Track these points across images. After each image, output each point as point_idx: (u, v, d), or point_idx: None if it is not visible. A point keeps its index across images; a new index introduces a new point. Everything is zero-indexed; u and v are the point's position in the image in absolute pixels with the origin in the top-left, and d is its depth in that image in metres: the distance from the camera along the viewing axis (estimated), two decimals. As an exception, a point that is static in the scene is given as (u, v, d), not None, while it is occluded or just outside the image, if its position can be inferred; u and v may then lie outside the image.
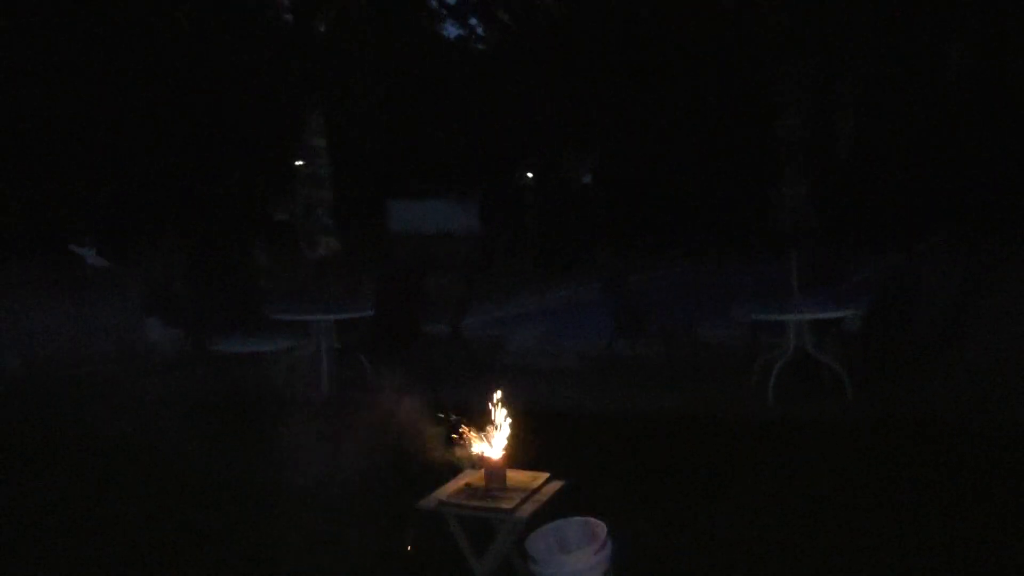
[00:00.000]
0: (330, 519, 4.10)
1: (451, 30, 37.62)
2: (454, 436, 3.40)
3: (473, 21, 37.28)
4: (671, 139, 14.13)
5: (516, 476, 3.35)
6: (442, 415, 3.47)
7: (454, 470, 3.39)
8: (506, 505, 3.12)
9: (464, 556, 3.18)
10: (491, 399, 3.40)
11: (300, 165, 9.03)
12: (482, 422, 3.38)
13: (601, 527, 3.10)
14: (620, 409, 6.49)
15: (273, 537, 3.99)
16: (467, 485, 3.30)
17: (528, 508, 3.12)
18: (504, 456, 3.33)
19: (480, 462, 3.34)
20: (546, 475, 3.37)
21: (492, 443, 3.33)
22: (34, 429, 6.77)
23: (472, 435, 3.37)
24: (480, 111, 24.55)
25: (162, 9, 12.87)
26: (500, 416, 3.36)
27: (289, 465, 4.58)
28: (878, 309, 6.86)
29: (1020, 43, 11.36)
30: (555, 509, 3.24)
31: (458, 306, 8.72)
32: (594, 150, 23.87)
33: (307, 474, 4.48)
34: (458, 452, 3.40)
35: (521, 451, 3.47)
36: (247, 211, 14.19)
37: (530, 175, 25.50)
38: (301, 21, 22.86)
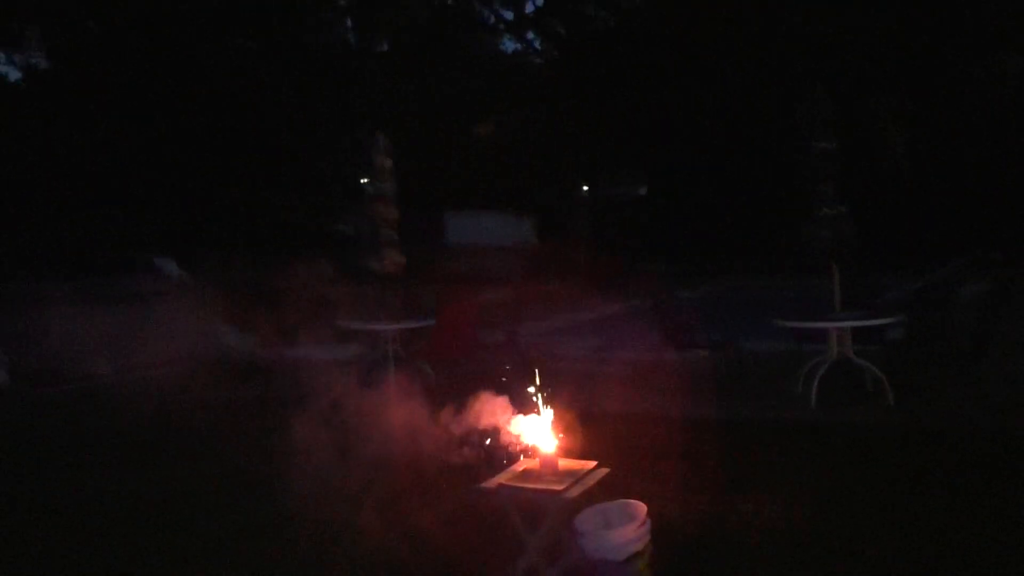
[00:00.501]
0: (398, 502, 4.58)
1: (509, 44, 38.27)
2: (506, 434, 3.86)
3: (530, 35, 37.97)
4: (719, 156, 14.44)
5: (567, 463, 3.79)
6: (496, 415, 3.92)
7: (509, 460, 3.84)
8: (557, 487, 3.55)
9: (518, 533, 3.62)
10: (544, 397, 3.84)
11: (366, 184, 9.61)
12: (537, 417, 3.83)
13: (642, 508, 3.51)
14: (666, 412, 6.86)
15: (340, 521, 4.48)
16: (524, 470, 3.75)
17: (576, 490, 3.55)
18: (556, 446, 3.77)
19: (535, 451, 3.79)
20: (594, 463, 3.80)
21: (545, 435, 3.78)
22: (123, 426, 7.42)
23: (527, 429, 3.83)
24: (535, 124, 25.05)
25: (232, 52, 13.76)
26: (552, 411, 3.81)
27: (353, 458, 5.08)
28: (918, 319, 7.12)
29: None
30: (602, 493, 3.66)
31: (513, 316, 9.20)
32: (649, 163, 24.19)
33: (372, 465, 5.00)
34: (508, 446, 3.86)
35: (572, 443, 3.91)
36: (313, 227, 14.88)
37: (585, 188, 25.92)
38: (363, 40, 23.67)
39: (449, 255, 18.17)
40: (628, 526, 3.44)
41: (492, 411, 3.93)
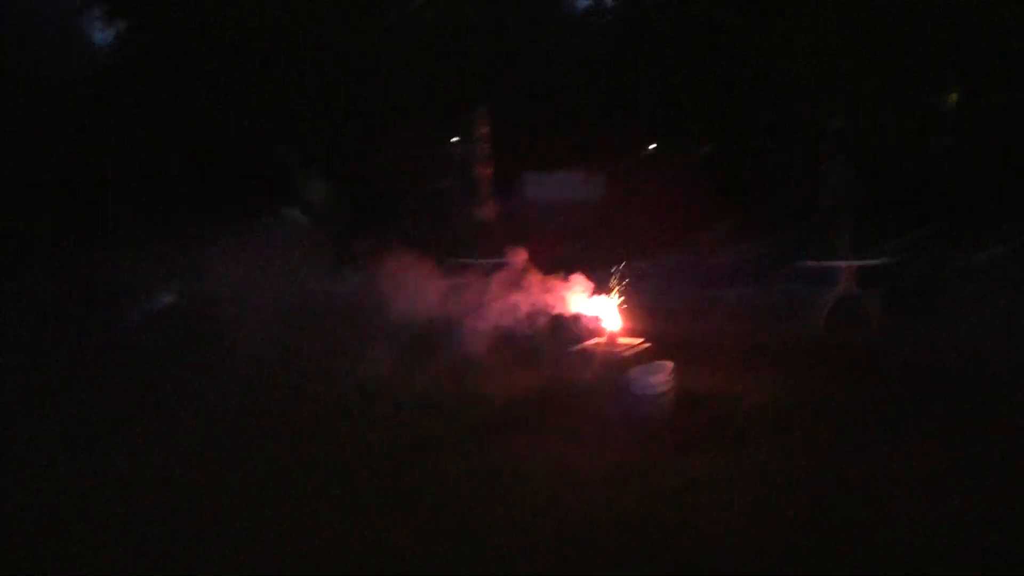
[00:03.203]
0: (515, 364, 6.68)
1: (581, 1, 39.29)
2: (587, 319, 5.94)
3: (603, -12, 38.82)
4: (768, 125, 15.99)
5: (624, 340, 5.83)
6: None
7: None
8: (617, 350, 5.61)
9: (596, 383, 5.69)
10: (611, 298, 5.89)
11: (457, 144, 11.67)
12: (606, 312, 5.89)
13: (669, 364, 5.53)
14: (701, 332, 8.81)
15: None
16: (597, 342, 5.81)
17: (630, 352, 5.61)
18: (619, 328, 5.82)
19: (604, 331, 5.85)
20: (641, 339, 5.84)
21: (611, 321, 5.83)
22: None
23: (601, 316, 5.90)
24: (604, 86, 26.57)
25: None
26: (616, 305, 5.85)
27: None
28: (911, 265, 8.92)
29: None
30: (647, 357, 5.69)
31: (584, 260, 11.22)
32: (711, 125, 25.61)
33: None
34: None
35: (630, 329, 5.94)
36: (413, 184, 17.06)
37: (651, 147, 27.54)
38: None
39: (528, 210, 20.19)
40: (660, 374, 5.47)
41: (579, 305, 6.01)
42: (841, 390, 6.32)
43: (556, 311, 6.10)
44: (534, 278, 6.98)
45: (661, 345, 6.21)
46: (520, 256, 10.74)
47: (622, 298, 5.90)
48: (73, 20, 18.60)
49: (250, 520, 4.16)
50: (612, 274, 5.96)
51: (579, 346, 5.79)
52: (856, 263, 8.77)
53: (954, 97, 20.61)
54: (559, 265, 11.12)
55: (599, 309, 5.89)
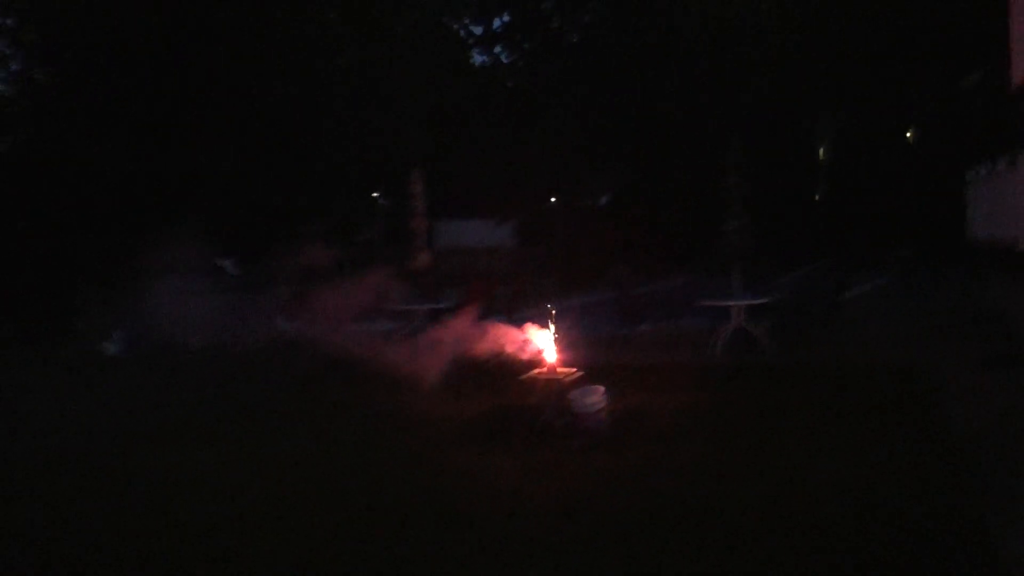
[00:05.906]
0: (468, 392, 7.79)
1: (478, 58, 40.99)
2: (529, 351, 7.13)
3: (497, 49, 40.76)
4: (669, 172, 17.76)
5: (562, 369, 7.03)
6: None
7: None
8: (558, 377, 6.81)
9: (542, 404, 6.86)
10: (547, 333, 7.10)
11: (380, 198, 12.74)
12: (545, 345, 7.09)
13: (601, 388, 6.77)
14: (621, 362, 10.14)
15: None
16: (539, 371, 7.00)
17: (568, 379, 6.81)
18: (556, 359, 7.02)
19: (545, 362, 7.04)
20: (575, 369, 7.05)
21: (550, 353, 7.03)
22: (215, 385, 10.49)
23: (541, 350, 7.09)
24: (511, 140, 28.19)
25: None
26: (553, 340, 7.06)
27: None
28: (789, 300, 10.52)
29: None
30: (581, 383, 6.90)
31: (512, 302, 12.45)
32: (610, 177, 27.51)
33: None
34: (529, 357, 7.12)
35: (565, 361, 7.15)
36: (343, 236, 18.03)
37: (553, 200, 29.21)
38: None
39: (443, 256, 21.37)
40: (595, 395, 6.69)
41: (518, 340, 7.19)
42: (730, 401, 7.77)
43: (501, 346, 7.27)
44: (475, 318, 8.21)
45: (592, 373, 7.45)
46: (459, 300, 11.94)
47: (557, 333, 7.09)
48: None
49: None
50: (546, 312, 7.14)
51: (527, 375, 6.96)
52: (744, 301, 10.29)
53: (826, 153, 23.18)
54: (493, 306, 12.39)
55: (538, 343, 7.10)
